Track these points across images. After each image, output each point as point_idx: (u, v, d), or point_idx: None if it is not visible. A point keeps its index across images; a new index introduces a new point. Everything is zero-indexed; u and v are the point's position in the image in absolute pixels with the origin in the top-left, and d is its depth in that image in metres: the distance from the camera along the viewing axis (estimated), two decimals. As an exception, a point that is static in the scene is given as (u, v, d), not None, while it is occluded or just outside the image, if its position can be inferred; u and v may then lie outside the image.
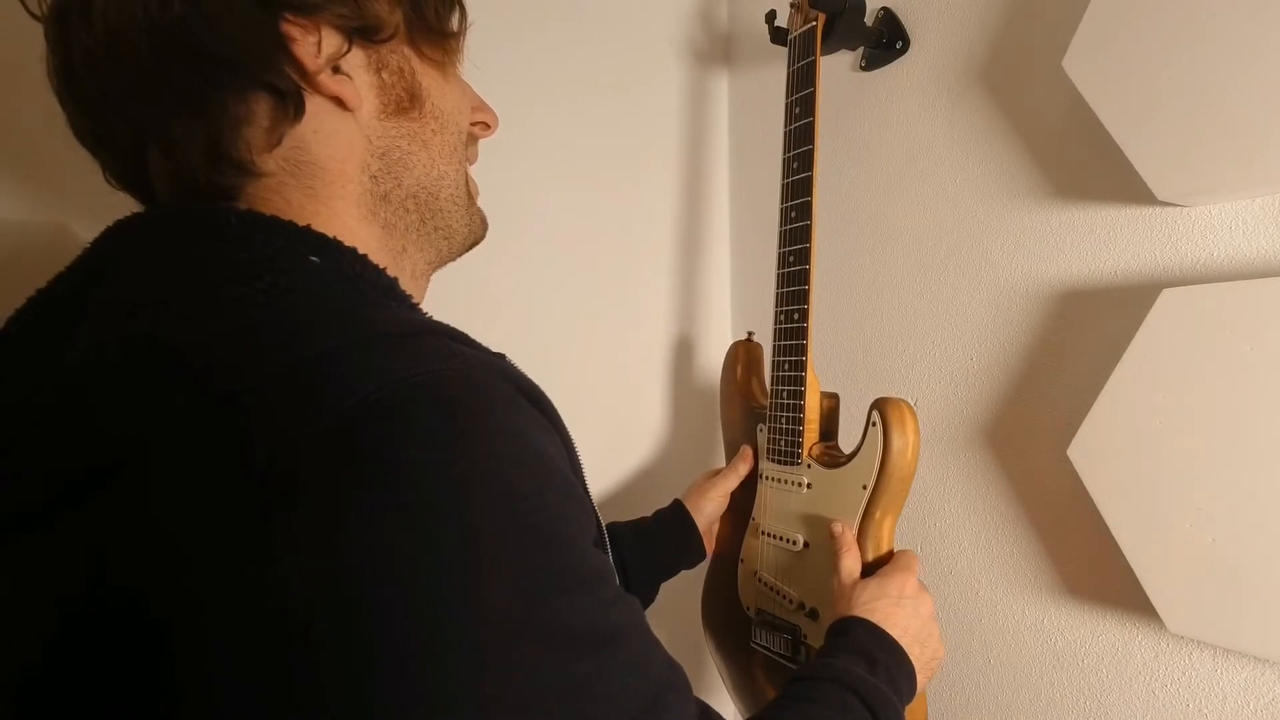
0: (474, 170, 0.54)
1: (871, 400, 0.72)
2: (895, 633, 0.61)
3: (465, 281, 0.92)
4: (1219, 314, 0.64)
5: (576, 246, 1.04)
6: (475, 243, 0.53)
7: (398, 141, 0.45)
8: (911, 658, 0.61)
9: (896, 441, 0.70)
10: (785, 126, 0.83)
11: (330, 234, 0.41)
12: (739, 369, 0.92)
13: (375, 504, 0.29)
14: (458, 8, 0.49)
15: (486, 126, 0.54)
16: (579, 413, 1.05)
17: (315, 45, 0.40)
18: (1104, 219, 0.78)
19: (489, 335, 1.05)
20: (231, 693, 0.28)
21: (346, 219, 0.43)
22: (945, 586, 0.93)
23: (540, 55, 0.99)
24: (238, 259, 0.37)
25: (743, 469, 0.86)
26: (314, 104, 0.41)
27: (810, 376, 0.78)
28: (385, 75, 0.44)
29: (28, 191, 0.63)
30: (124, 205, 0.70)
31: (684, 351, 1.18)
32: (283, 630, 0.28)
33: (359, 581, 0.29)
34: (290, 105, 0.40)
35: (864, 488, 0.72)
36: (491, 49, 0.93)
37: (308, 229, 0.40)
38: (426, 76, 0.46)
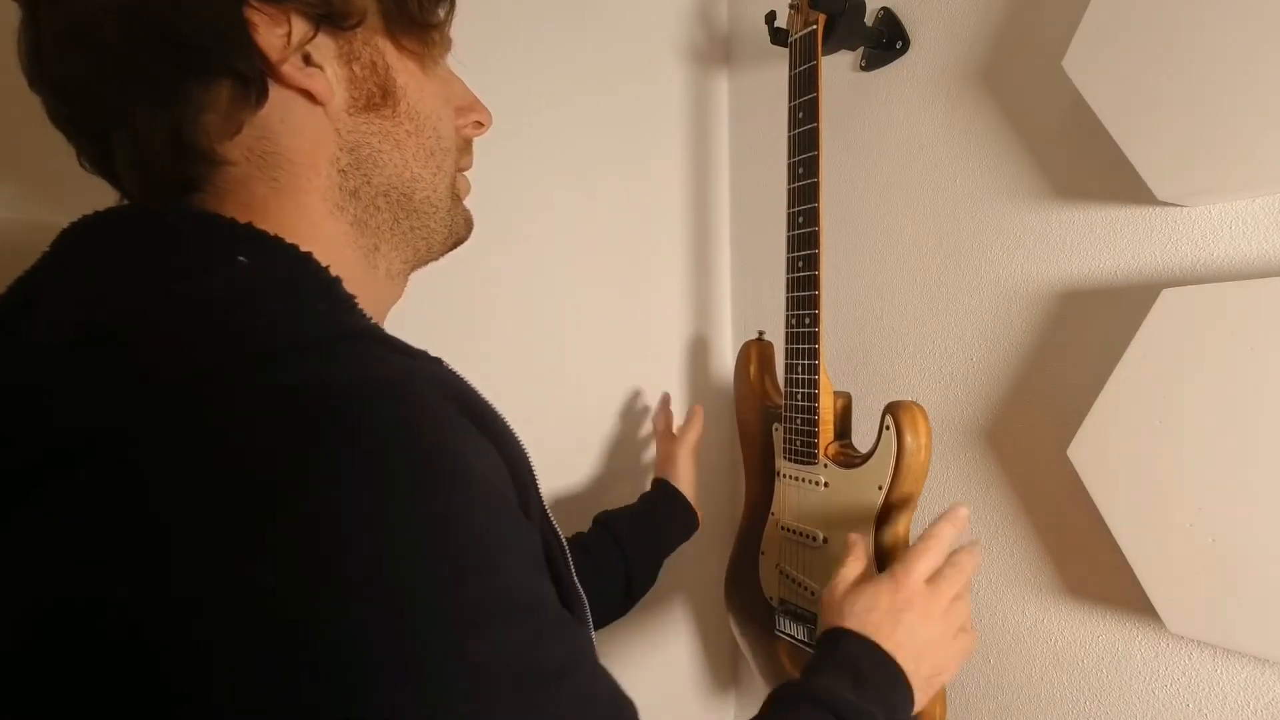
0: (475, 164, 0.53)
1: (874, 400, 0.73)
2: (889, 646, 0.56)
3: (464, 281, 0.92)
4: (1219, 314, 0.64)
5: (576, 246, 1.04)
6: (458, 243, 0.52)
7: (368, 138, 0.43)
8: (907, 673, 0.56)
9: (910, 443, 0.73)
10: (789, 131, 0.83)
11: (279, 230, 0.40)
12: (752, 368, 0.94)
13: (263, 542, 0.27)
14: None
15: (479, 125, 0.52)
16: (578, 413, 1.05)
17: (283, 35, 0.39)
18: (1104, 219, 0.78)
19: (488, 336, 1.05)
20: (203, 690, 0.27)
21: (311, 213, 0.42)
22: (945, 586, 0.93)
23: (538, 56, 0.99)
24: (169, 263, 0.37)
25: (697, 424, 0.94)
26: (281, 94, 0.40)
27: (823, 379, 0.80)
28: (356, 68, 0.42)
29: (28, 191, 0.63)
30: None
31: (685, 351, 1.18)
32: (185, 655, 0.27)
33: (237, 626, 0.27)
34: (252, 92, 0.39)
35: (880, 488, 0.75)
36: (488, 50, 0.93)
37: (247, 226, 0.39)
38: (404, 73, 0.44)
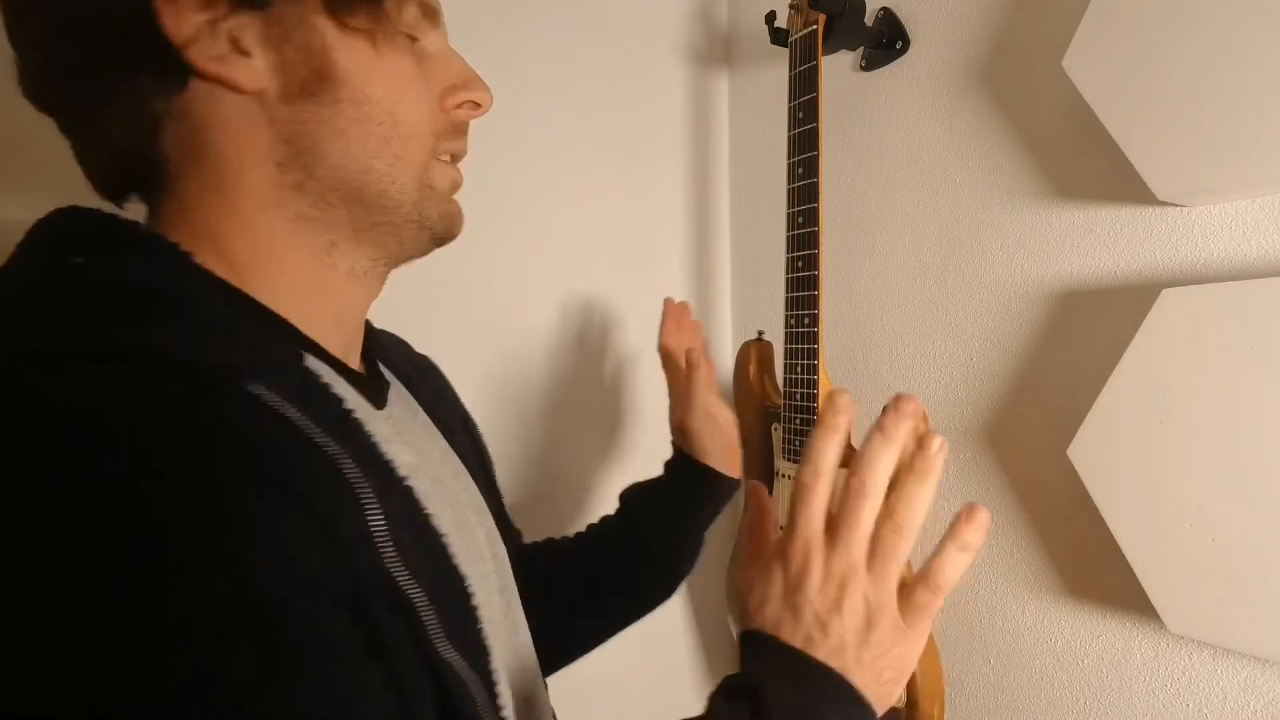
0: (471, 165, 0.49)
1: (874, 400, 0.72)
2: (797, 644, 0.39)
3: (463, 281, 0.92)
4: (1219, 314, 0.64)
5: (576, 246, 1.04)
6: (440, 242, 0.47)
7: (305, 127, 0.39)
8: (840, 673, 0.39)
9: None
10: (789, 131, 0.83)
11: (205, 230, 0.39)
12: (751, 368, 0.94)
13: None
14: None
15: (475, 106, 0.46)
16: (578, 413, 1.05)
17: (194, 20, 0.36)
18: (1104, 219, 0.78)
19: (487, 336, 1.05)
20: None
21: (242, 210, 0.40)
22: (945, 586, 0.93)
23: (539, 56, 0.99)
24: (11, 258, 0.37)
25: (700, 376, 0.74)
26: (204, 85, 0.38)
27: (822, 379, 0.80)
28: (288, 51, 0.38)
29: (28, 191, 0.63)
30: (129, 207, 0.70)
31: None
32: None
33: None
34: (172, 83, 0.38)
35: None
36: (488, 49, 0.93)
37: (128, 226, 0.38)
38: (348, 53, 0.40)
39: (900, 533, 0.40)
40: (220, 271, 0.39)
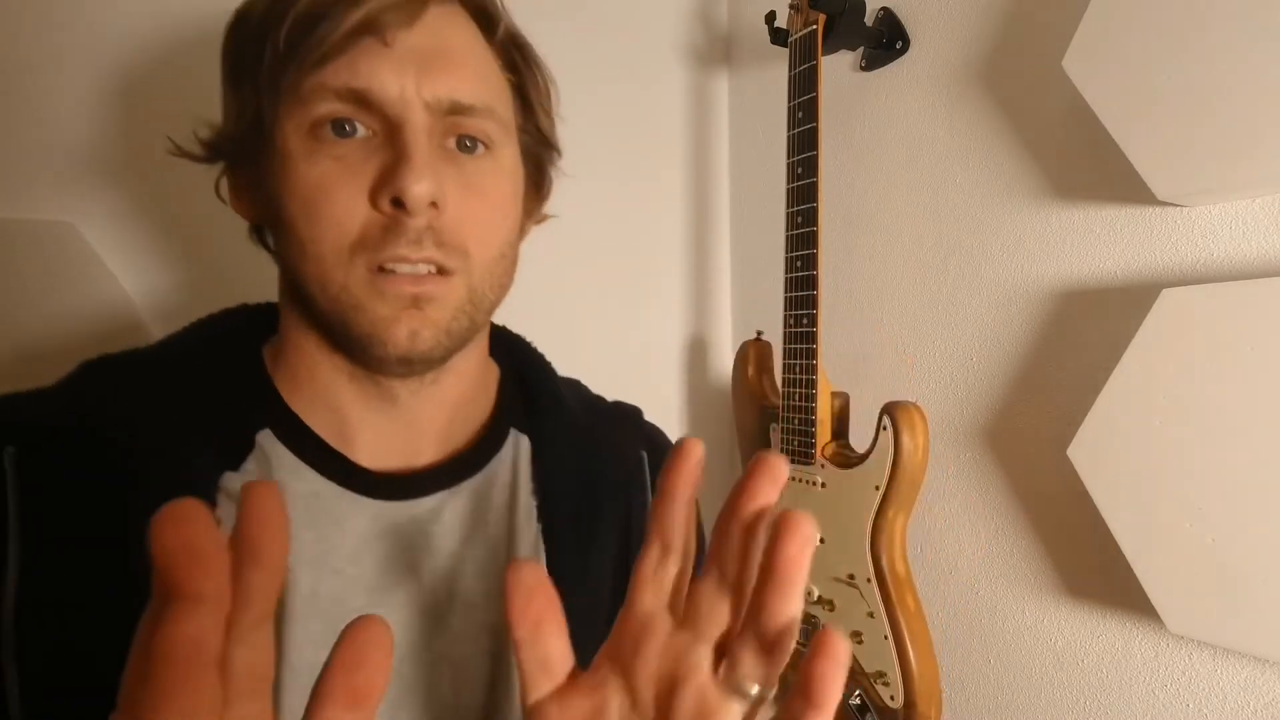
0: None
1: (873, 400, 0.73)
2: None
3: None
4: (1219, 314, 0.64)
5: (575, 246, 1.04)
6: (409, 362, 0.42)
7: (280, 250, 0.45)
8: None
9: (907, 444, 0.72)
10: (788, 131, 0.83)
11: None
12: (750, 369, 0.94)
13: None
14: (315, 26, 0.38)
15: (395, 205, 0.39)
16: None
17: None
18: (1104, 219, 0.78)
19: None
20: None
21: (283, 309, 0.47)
22: (945, 586, 0.93)
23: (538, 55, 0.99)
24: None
25: None
26: None
27: (821, 379, 0.80)
28: (249, 196, 0.46)
29: (28, 191, 0.63)
30: (130, 207, 0.70)
31: (684, 351, 1.18)
32: None
33: None
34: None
35: (876, 488, 0.75)
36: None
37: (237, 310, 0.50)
38: (282, 178, 0.41)
39: None
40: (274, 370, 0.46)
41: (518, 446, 0.51)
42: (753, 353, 0.95)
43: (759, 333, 0.96)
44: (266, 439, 0.43)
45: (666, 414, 1.16)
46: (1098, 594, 0.80)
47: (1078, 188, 0.80)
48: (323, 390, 0.45)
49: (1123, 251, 0.77)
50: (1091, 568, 0.80)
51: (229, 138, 0.44)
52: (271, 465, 0.43)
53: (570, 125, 1.11)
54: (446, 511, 0.46)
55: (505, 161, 0.45)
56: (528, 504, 0.49)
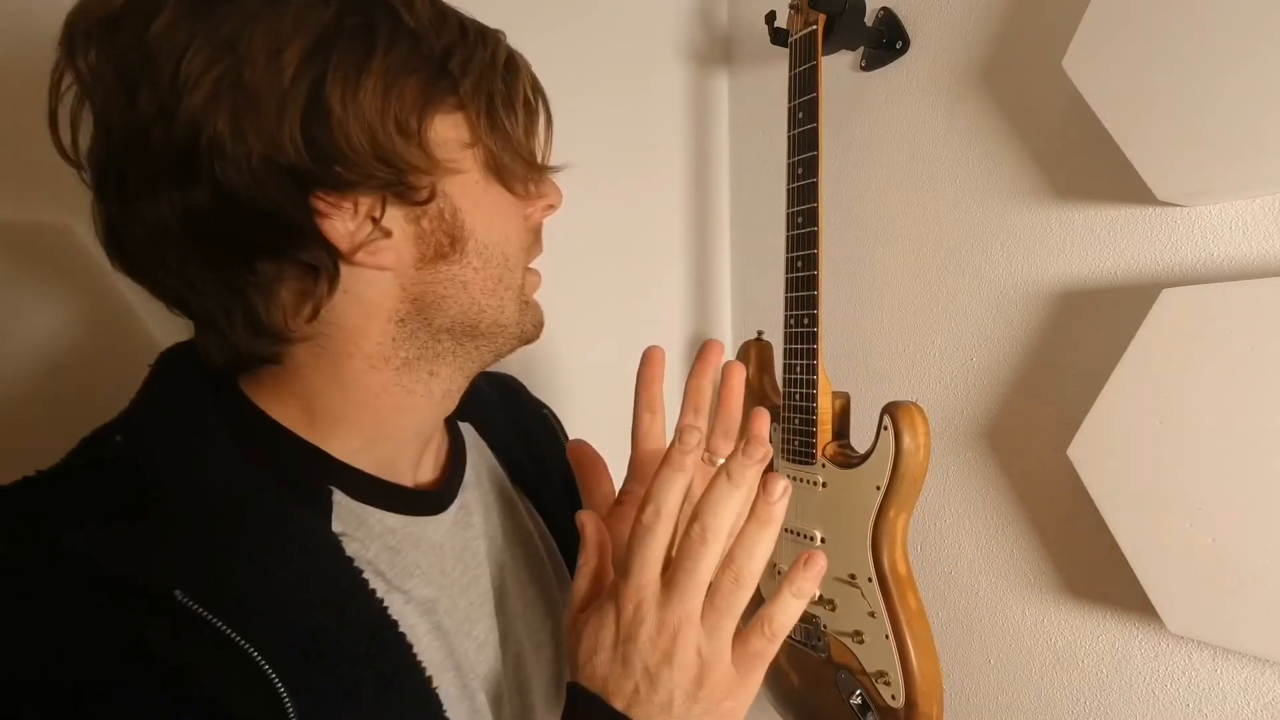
0: None
1: (874, 400, 0.73)
2: (622, 704, 0.38)
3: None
4: (1219, 314, 0.64)
5: (576, 246, 1.04)
6: (525, 344, 0.49)
7: (433, 287, 0.41)
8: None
9: (908, 444, 0.73)
10: (789, 131, 0.83)
11: (298, 395, 0.41)
12: (751, 368, 0.94)
13: None
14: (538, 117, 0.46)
15: (550, 208, 0.48)
16: (577, 413, 1.05)
17: (350, 219, 0.37)
18: (1104, 219, 0.78)
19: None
20: None
21: (350, 370, 0.41)
22: (945, 586, 0.93)
23: (538, 55, 0.99)
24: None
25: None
26: (347, 271, 0.39)
27: (822, 379, 0.80)
28: (425, 223, 0.40)
29: (28, 192, 0.63)
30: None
31: (684, 351, 1.18)
32: None
33: None
34: (324, 281, 0.38)
35: (878, 488, 0.75)
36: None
37: (157, 403, 0.40)
38: (471, 210, 0.41)
39: (739, 583, 0.38)
40: (300, 427, 0.41)
41: (468, 434, 0.56)
42: (753, 353, 0.95)
43: (759, 333, 0.96)
44: (345, 502, 0.42)
45: (666, 414, 1.16)
46: (1098, 594, 0.80)
47: (1078, 188, 0.80)
48: (385, 419, 0.43)
49: (1123, 251, 0.77)
50: (1091, 568, 0.80)
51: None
52: (342, 519, 0.41)
53: (571, 124, 1.10)
54: (471, 505, 0.51)
55: None
56: (502, 478, 0.56)
